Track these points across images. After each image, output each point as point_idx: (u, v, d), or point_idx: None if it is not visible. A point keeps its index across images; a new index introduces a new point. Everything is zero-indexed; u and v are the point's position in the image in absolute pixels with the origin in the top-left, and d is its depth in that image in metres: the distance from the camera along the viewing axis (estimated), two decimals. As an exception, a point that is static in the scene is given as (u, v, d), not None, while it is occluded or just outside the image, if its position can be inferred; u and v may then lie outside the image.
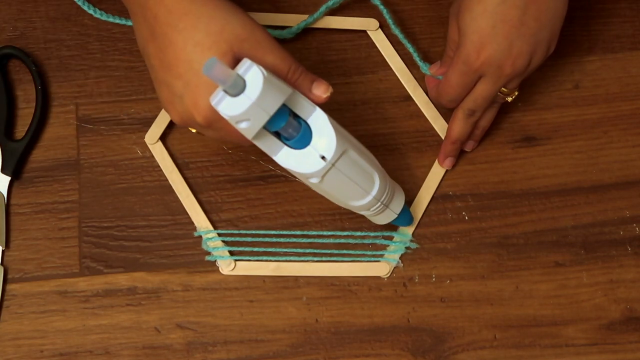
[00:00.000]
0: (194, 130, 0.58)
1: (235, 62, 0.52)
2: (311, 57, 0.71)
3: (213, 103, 0.50)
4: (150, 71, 0.56)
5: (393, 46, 0.71)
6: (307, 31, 0.71)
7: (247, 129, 0.51)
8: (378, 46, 0.71)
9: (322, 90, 0.56)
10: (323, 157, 0.54)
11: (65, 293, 0.65)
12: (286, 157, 0.54)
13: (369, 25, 0.71)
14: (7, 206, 0.67)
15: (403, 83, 0.71)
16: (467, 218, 0.68)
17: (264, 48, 0.54)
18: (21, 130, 0.68)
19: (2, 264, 0.66)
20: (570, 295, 0.67)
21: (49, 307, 0.65)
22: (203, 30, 0.52)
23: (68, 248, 0.66)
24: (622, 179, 0.70)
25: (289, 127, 0.53)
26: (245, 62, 0.50)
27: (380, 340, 0.66)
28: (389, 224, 0.67)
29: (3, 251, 0.66)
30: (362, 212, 0.62)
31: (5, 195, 0.67)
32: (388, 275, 0.67)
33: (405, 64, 0.71)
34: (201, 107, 0.53)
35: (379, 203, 0.60)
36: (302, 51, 0.71)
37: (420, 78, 0.70)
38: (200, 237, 0.67)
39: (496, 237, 0.68)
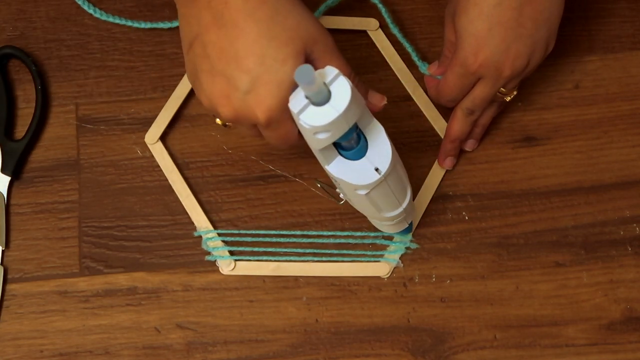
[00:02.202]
0: (219, 122, 0.56)
1: (304, 62, 0.50)
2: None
3: (295, 110, 0.48)
4: (200, 61, 0.52)
5: (393, 46, 0.71)
6: (307, 31, 0.71)
7: (324, 139, 0.49)
8: (378, 46, 0.71)
9: (377, 99, 0.55)
10: (377, 170, 0.52)
11: (65, 293, 0.65)
12: (339, 167, 0.52)
13: (369, 25, 0.71)
14: (7, 206, 0.67)
15: (403, 83, 0.71)
16: (467, 218, 0.68)
17: (332, 52, 0.52)
18: (21, 130, 0.68)
19: (2, 264, 0.66)
20: (570, 295, 0.67)
21: (49, 307, 0.65)
22: (280, 24, 0.49)
23: (68, 248, 0.66)
24: (622, 179, 0.70)
25: (352, 138, 0.51)
26: (332, 71, 0.48)
27: (380, 340, 0.66)
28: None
29: (3, 251, 0.66)
30: (381, 222, 0.61)
31: (5, 195, 0.67)
32: (388, 275, 0.67)
33: (406, 64, 0.71)
34: (266, 106, 0.50)
35: (404, 214, 0.59)
36: (302, 51, 0.71)
37: (420, 78, 0.70)
38: (200, 237, 0.67)
39: (496, 237, 0.68)
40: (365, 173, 0.52)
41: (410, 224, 0.65)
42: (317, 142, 0.49)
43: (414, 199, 0.68)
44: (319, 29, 0.52)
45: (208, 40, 0.51)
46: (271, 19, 0.49)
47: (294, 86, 0.49)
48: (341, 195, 0.57)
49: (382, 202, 0.56)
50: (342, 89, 0.47)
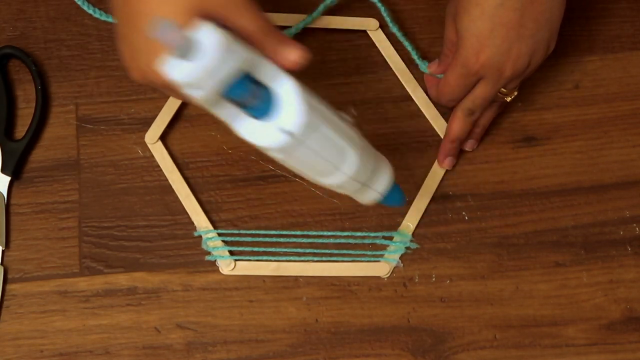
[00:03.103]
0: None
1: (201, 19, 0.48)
2: (311, 57, 0.71)
3: (161, 66, 0.45)
4: (117, 29, 0.52)
5: (393, 46, 0.71)
6: (307, 31, 0.71)
7: (199, 97, 0.45)
8: (378, 46, 0.71)
9: (293, 54, 0.50)
10: (286, 131, 0.47)
11: (65, 293, 0.65)
12: (247, 128, 0.47)
13: (369, 25, 0.71)
14: (7, 206, 0.67)
15: (403, 83, 0.71)
16: (467, 218, 0.68)
17: (234, 5, 0.49)
18: (21, 130, 0.68)
19: (2, 264, 0.66)
20: (570, 295, 0.67)
21: (49, 307, 0.65)
22: None
23: (68, 248, 0.66)
24: (622, 179, 0.70)
25: (250, 95, 0.46)
26: (201, 24, 0.45)
27: (380, 340, 0.66)
28: (386, 224, 0.67)
29: (3, 251, 0.66)
30: (340, 191, 0.55)
31: (5, 195, 0.67)
32: (388, 275, 0.67)
33: (406, 64, 0.71)
34: (156, 67, 0.47)
35: (357, 183, 0.54)
36: (302, 51, 0.71)
37: (420, 78, 0.70)
38: (200, 237, 0.67)
39: (496, 237, 0.68)
40: (274, 135, 0.47)
41: (399, 195, 0.59)
42: (197, 100, 0.46)
43: (413, 199, 0.68)
44: None
45: (115, 5, 0.52)
46: None
47: None
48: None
49: (310, 167, 0.51)
50: (210, 43, 0.44)
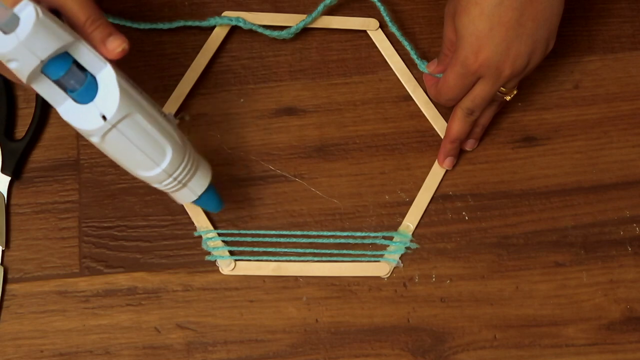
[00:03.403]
0: None
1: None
2: (311, 57, 0.71)
3: None
4: None
5: (393, 46, 0.71)
6: (307, 31, 0.71)
7: (17, 70, 0.48)
8: (378, 46, 0.71)
9: (115, 45, 0.53)
10: (104, 117, 0.51)
11: (65, 293, 0.65)
12: (68, 111, 0.51)
13: (369, 25, 0.71)
14: (7, 206, 0.67)
15: (403, 83, 0.71)
16: (467, 218, 0.68)
17: None
18: (21, 130, 0.68)
19: (2, 264, 0.66)
20: (570, 295, 0.67)
21: (49, 307, 0.65)
22: None
23: (68, 248, 0.66)
24: (622, 179, 0.70)
25: (70, 78, 0.50)
26: (23, 2, 0.48)
27: (380, 340, 0.66)
28: (386, 224, 0.67)
29: (3, 251, 0.66)
30: (157, 186, 0.58)
31: (5, 195, 0.67)
32: (388, 275, 0.67)
33: (405, 64, 0.71)
34: None
35: (172, 179, 0.56)
36: (302, 51, 0.71)
37: (420, 78, 0.70)
38: (200, 237, 0.67)
39: (496, 237, 0.68)
40: (91, 118, 0.51)
41: (216, 200, 0.62)
42: (16, 72, 0.48)
43: (413, 199, 0.68)
44: None
45: None
46: None
47: None
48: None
49: (125, 155, 0.54)
50: (28, 19, 0.47)
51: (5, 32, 0.47)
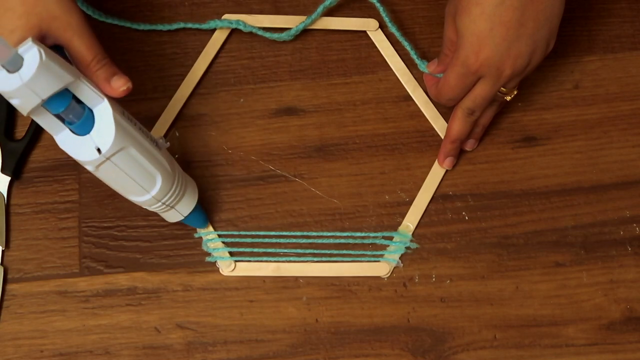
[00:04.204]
0: None
1: (40, 37, 0.53)
2: (311, 57, 0.71)
3: None
4: None
5: (393, 46, 0.71)
6: (307, 32, 0.71)
7: (18, 105, 0.50)
8: (378, 46, 0.71)
9: (120, 84, 0.56)
10: (98, 149, 0.53)
11: (65, 293, 0.65)
12: (65, 141, 0.54)
13: (368, 25, 0.71)
14: (7, 206, 0.67)
15: (403, 83, 0.71)
16: (467, 218, 0.68)
17: (73, 31, 0.54)
18: (21, 130, 0.68)
19: (2, 264, 0.66)
20: (570, 295, 0.67)
21: (49, 307, 0.65)
22: None
23: (68, 248, 0.66)
24: (622, 179, 0.70)
25: (70, 112, 0.52)
26: (28, 42, 0.50)
27: (380, 340, 0.66)
28: (386, 224, 0.67)
29: (3, 251, 0.66)
30: (146, 208, 0.61)
31: (5, 195, 0.67)
32: (388, 275, 0.67)
33: (405, 64, 0.71)
34: None
35: (160, 203, 0.60)
36: (302, 51, 0.71)
37: (420, 78, 0.70)
38: (201, 237, 0.67)
39: (496, 237, 0.68)
40: (86, 150, 0.54)
41: (201, 218, 0.65)
42: (17, 107, 0.50)
43: (413, 199, 0.68)
44: (62, 7, 0.53)
45: None
46: None
47: None
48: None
49: (119, 183, 0.57)
50: (31, 60, 0.49)
51: (8, 71, 0.49)
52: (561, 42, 0.65)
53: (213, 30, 0.70)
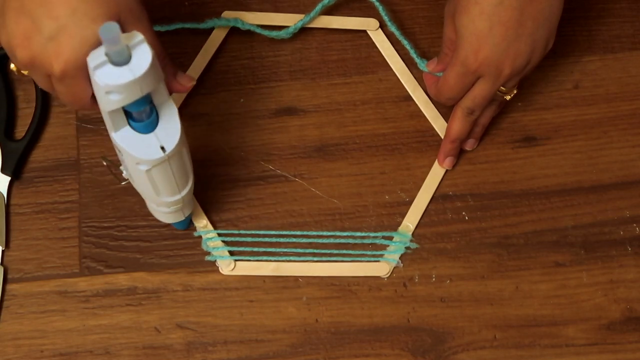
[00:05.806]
0: (14, 68, 0.55)
1: None
2: (311, 57, 0.71)
3: (92, 64, 0.47)
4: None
5: (393, 46, 0.71)
6: (307, 31, 0.71)
7: (114, 101, 0.49)
8: (378, 46, 0.71)
9: (187, 80, 0.57)
10: (162, 148, 0.52)
11: (65, 293, 0.65)
12: (125, 137, 0.52)
13: (369, 25, 0.71)
14: (7, 206, 0.67)
15: (403, 83, 0.71)
16: (467, 218, 0.68)
17: (144, 25, 0.53)
18: (21, 130, 0.68)
19: (2, 264, 0.66)
20: (570, 295, 0.67)
21: (49, 307, 0.65)
22: None
23: (68, 248, 0.66)
24: (622, 179, 0.70)
25: (143, 111, 0.51)
26: (138, 36, 0.48)
27: (380, 340, 0.66)
28: (386, 224, 0.67)
29: (3, 251, 0.66)
30: (158, 209, 0.61)
31: (5, 195, 0.67)
32: (388, 275, 0.67)
33: (405, 64, 0.71)
34: (64, 58, 0.49)
35: (181, 202, 0.60)
36: (302, 51, 0.71)
37: (420, 78, 0.70)
38: (200, 237, 0.67)
39: (496, 237, 0.68)
40: (150, 148, 0.52)
41: (188, 219, 0.66)
42: (108, 103, 0.49)
43: (413, 199, 0.68)
44: (138, 1, 0.52)
45: None
46: None
47: (96, 47, 0.49)
48: (125, 175, 0.57)
49: (162, 183, 0.56)
50: (143, 55, 0.48)
51: (113, 63, 0.47)
52: (561, 42, 0.65)
53: (212, 29, 0.70)
